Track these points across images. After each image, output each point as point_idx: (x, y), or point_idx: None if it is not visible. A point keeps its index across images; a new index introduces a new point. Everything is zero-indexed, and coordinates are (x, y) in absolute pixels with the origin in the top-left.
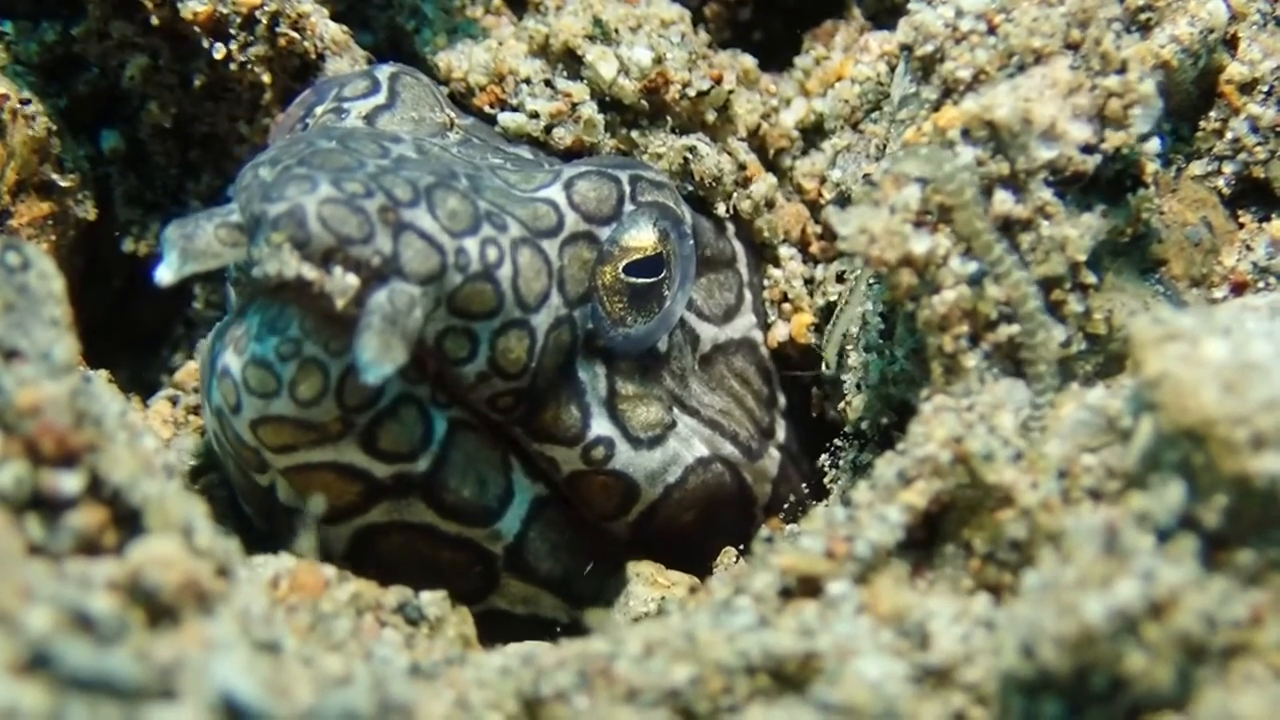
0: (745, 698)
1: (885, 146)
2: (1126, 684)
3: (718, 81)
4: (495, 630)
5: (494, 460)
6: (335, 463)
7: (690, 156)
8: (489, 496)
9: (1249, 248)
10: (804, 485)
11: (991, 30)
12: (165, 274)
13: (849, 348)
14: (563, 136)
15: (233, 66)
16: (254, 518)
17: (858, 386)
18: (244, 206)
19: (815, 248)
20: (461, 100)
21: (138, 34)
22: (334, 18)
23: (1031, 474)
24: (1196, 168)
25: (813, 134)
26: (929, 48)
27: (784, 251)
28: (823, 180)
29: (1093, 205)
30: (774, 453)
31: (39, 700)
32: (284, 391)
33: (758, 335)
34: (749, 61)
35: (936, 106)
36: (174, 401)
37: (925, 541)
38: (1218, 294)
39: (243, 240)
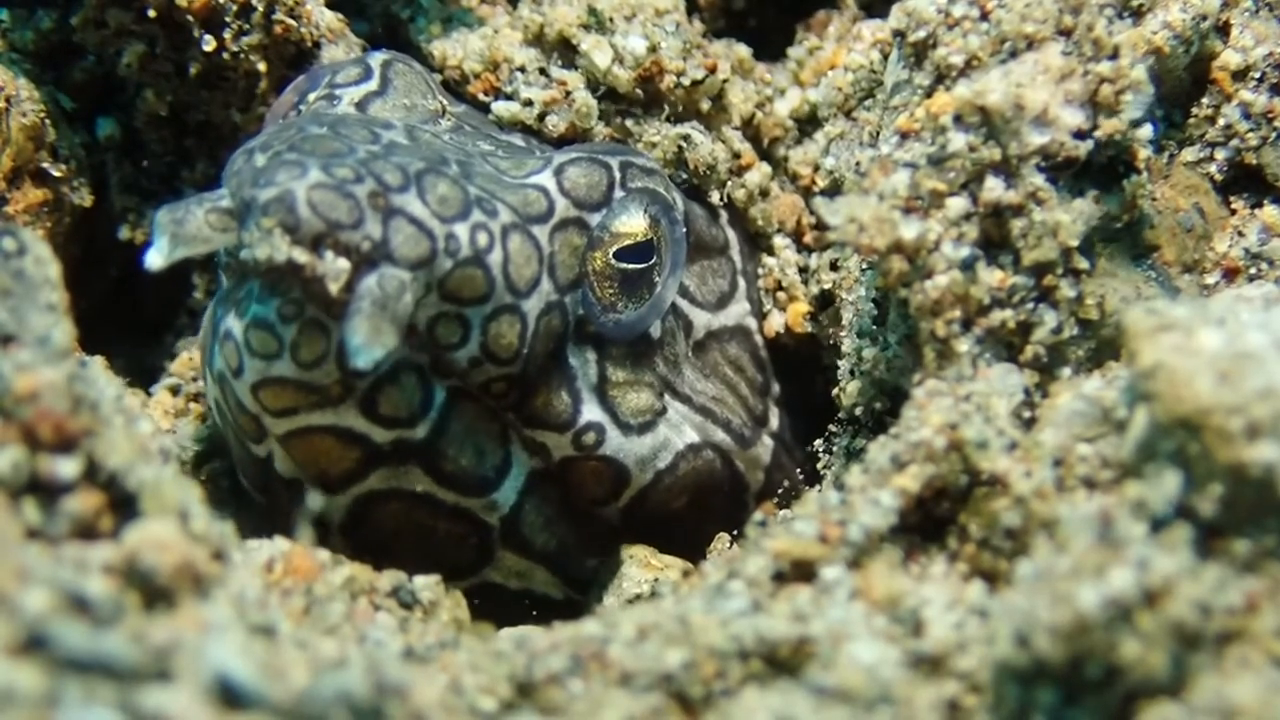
0: (739, 682)
1: (879, 134)
2: (1121, 672)
3: (712, 71)
4: (487, 606)
5: (492, 431)
6: (335, 427)
7: (685, 145)
8: (486, 466)
9: (1241, 234)
10: (799, 473)
11: (984, 16)
12: (155, 259)
13: (843, 334)
14: (556, 124)
15: (228, 55)
16: (252, 492)
17: (851, 372)
18: (234, 191)
19: (809, 237)
20: (456, 88)
21: (134, 22)
22: (330, 5)
23: (1026, 462)
24: (1189, 154)
25: (807, 124)
26: (921, 34)
27: (778, 241)
28: (816, 168)
29: (1085, 191)
30: (767, 440)
31: (35, 681)
32: (285, 353)
33: (752, 323)
34: (744, 51)
35: (929, 92)
36: (175, 391)
37: (919, 526)
38: (1210, 280)
39: (233, 225)
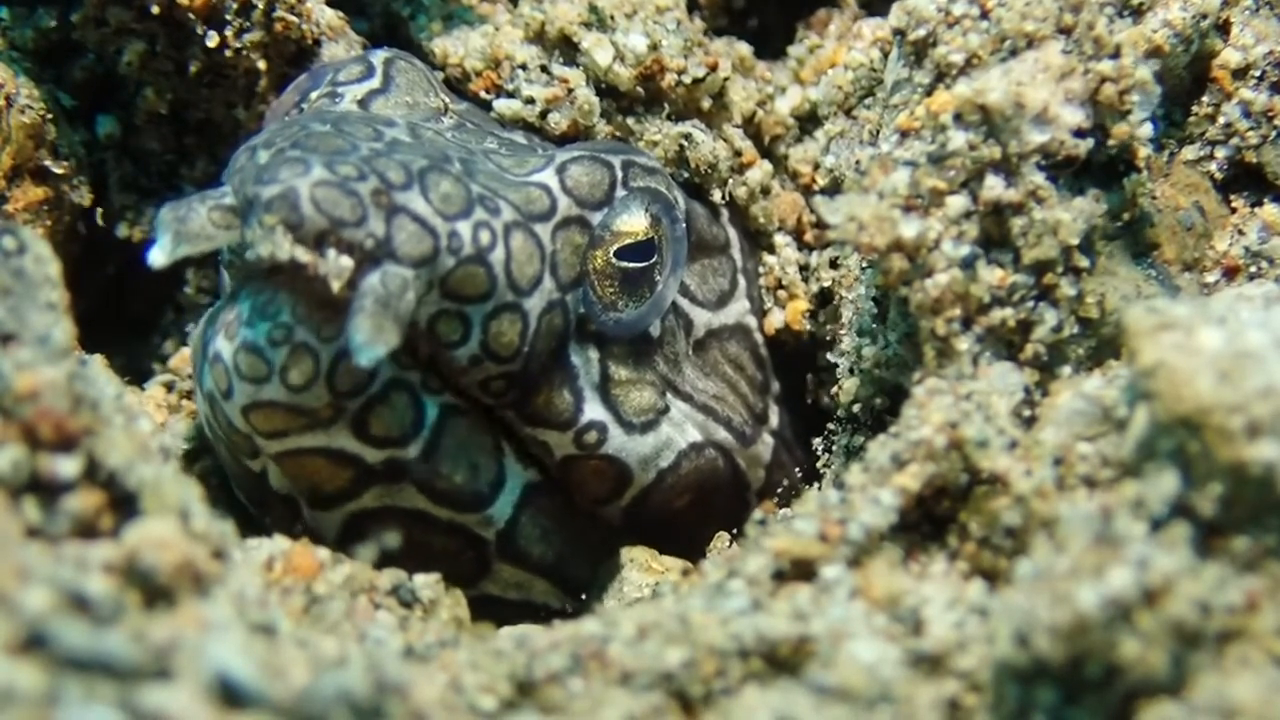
0: (739, 681)
1: (879, 132)
2: (1121, 671)
3: (713, 69)
4: (487, 617)
5: (485, 446)
6: (326, 448)
7: (686, 143)
8: (481, 482)
9: (1241, 232)
10: (798, 471)
11: (984, 14)
12: (158, 256)
13: (842, 333)
14: (558, 121)
15: (229, 52)
16: (247, 503)
17: (850, 370)
18: (237, 189)
19: (809, 235)
20: (457, 86)
21: (135, 20)
22: (330, 3)
23: (1026, 461)
24: (1189, 152)
25: (807, 122)
26: (922, 32)
27: (779, 239)
28: (817, 166)
29: (1085, 189)
30: (768, 438)
31: (35, 679)
32: (275, 377)
33: (752, 321)
34: (745, 49)
35: (929, 91)
36: (169, 387)
37: (919, 525)
38: (1210, 278)
39: (236, 223)
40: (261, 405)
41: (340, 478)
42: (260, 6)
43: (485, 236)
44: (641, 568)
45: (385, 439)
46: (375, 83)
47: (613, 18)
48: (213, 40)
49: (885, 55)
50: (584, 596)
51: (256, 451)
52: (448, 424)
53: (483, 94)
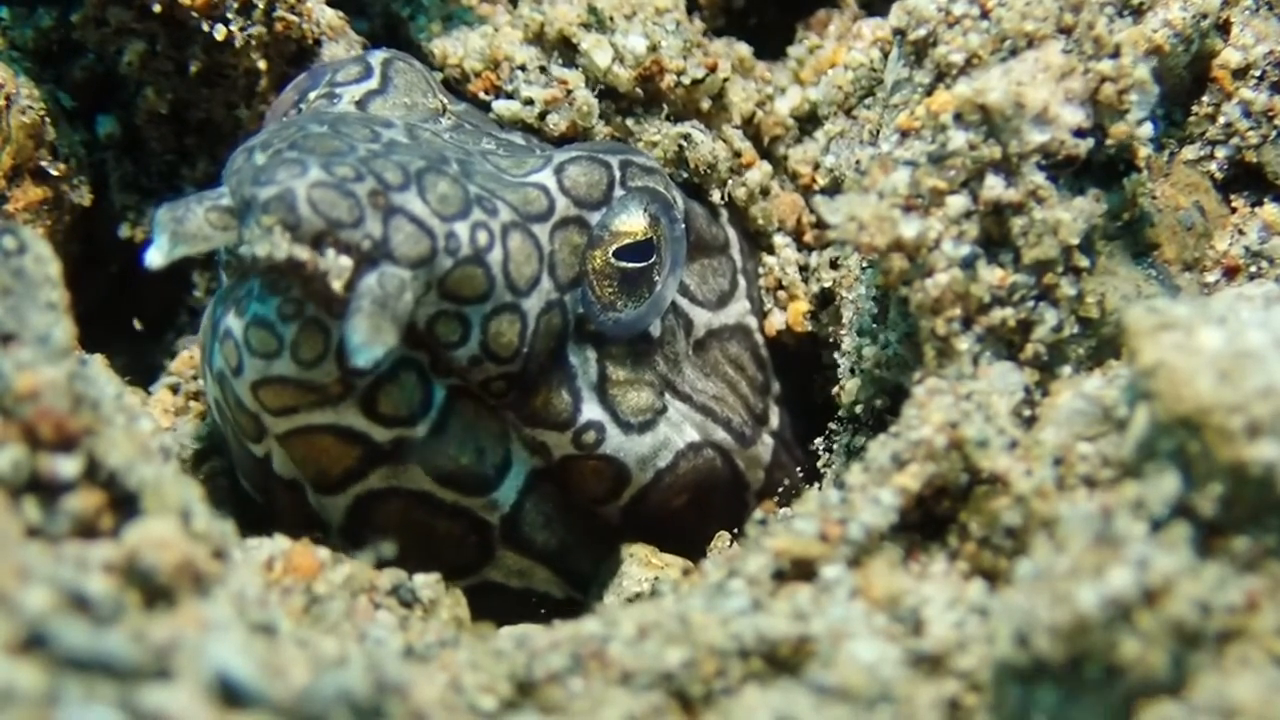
0: (739, 680)
1: (879, 132)
2: (1121, 671)
3: (712, 69)
4: (489, 605)
5: (492, 430)
6: (335, 425)
7: (685, 144)
8: (487, 465)
9: (1241, 232)
10: (799, 472)
11: (984, 14)
12: (155, 257)
13: (843, 333)
14: (557, 123)
15: (238, 42)
16: (251, 492)
17: (851, 371)
18: (234, 190)
19: (809, 235)
20: (456, 87)
21: (135, 20)
22: (330, 3)
23: (1026, 461)
24: (1189, 152)
25: (807, 122)
26: (922, 32)
27: (779, 239)
28: (817, 166)
29: (1085, 189)
30: (767, 439)
31: (35, 679)
32: (285, 352)
33: (752, 321)
34: (744, 50)
35: (929, 91)
36: (175, 389)
37: (919, 525)
38: (1210, 278)
39: (233, 223)
40: (271, 381)
41: (348, 457)
42: (260, 6)
43: (483, 237)
44: (641, 563)
45: (394, 418)
46: (373, 83)
47: (612, 19)
48: (220, 33)
49: (885, 55)
50: (585, 591)
51: (262, 433)
52: (455, 406)
53: (481, 95)
